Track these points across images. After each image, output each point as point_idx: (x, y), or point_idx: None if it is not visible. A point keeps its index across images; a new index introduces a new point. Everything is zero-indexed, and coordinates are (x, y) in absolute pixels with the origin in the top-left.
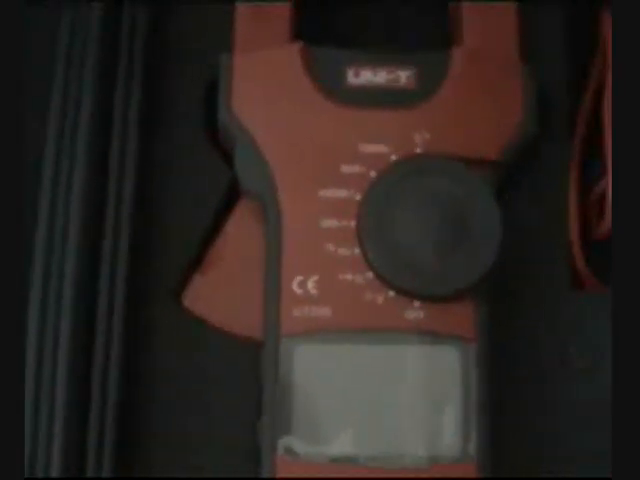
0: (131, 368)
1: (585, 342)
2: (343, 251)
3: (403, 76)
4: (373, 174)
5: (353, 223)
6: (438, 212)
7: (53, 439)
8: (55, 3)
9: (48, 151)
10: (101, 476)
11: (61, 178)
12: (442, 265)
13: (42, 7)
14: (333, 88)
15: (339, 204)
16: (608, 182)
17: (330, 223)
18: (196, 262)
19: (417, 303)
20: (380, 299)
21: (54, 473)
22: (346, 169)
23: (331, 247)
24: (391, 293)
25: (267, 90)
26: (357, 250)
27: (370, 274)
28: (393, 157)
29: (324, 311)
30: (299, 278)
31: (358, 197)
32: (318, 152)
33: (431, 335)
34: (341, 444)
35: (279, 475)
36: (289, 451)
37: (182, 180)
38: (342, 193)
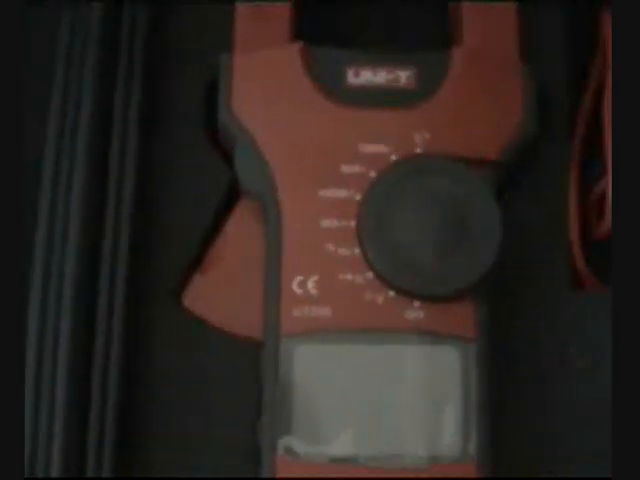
0: (131, 368)
1: (585, 342)
2: (343, 251)
3: (403, 76)
4: (373, 174)
5: (353, 223)
6: (438, 212)
7: (53, 439)
8: (55, 3)
9: (48, 151)
10: (101, 476)
11: (61, 178)
12: (442, 265)
13: (42, 7)
14: (333, 88)
15: (339, 204)
16: (608, 182)
17: (330, 223)
18: (196, 262)
19: (417, 303)
20: (380, 299)
21: (54, 473)
22: (346, 169)
23: (331, 247)
24: (391, 293)
25: (267, 90)
26: (357, 250)
27: (370, 274)
28: (393, 157)
29: (324, 311)
30: (299, 278)
31: (358, 197)
32: (318, 152)
33: (431, 335)
34: (341, 444)
35: (279, 475)
36: (289, 451)
37: (182, 180)
38: (342, 193)
